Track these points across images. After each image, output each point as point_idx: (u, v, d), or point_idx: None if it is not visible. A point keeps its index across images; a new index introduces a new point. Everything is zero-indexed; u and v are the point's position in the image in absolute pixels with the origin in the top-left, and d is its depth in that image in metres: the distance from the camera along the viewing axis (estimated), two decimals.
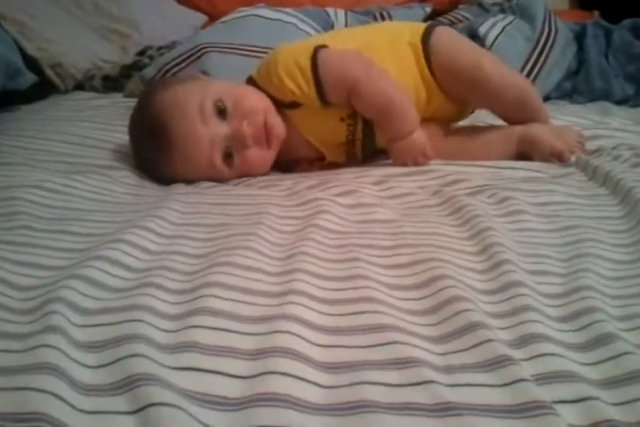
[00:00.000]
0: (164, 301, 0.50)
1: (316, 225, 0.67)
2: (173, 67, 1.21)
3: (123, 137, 1.02)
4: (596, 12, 2.04)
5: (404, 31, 0.98)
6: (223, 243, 0.62)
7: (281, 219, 0.71)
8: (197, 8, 2.04)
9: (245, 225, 0.67)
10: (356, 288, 0.53)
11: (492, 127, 1.03)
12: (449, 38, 0.99)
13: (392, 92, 0.90)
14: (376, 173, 0.89)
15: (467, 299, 0.49)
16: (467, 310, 0.48)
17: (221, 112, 0.86)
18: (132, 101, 1.30)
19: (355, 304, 0.50)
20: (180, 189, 0.85)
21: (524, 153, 0.95)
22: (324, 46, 0.91)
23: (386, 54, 0.94)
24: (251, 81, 0.95)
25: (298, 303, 0.49)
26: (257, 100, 0.90)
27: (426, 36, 0.96)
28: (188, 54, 1.21)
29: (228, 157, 0.88)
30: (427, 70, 0.95)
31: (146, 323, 0.46)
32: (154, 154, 0.88)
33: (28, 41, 1.41)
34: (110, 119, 1.14)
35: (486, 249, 0.61)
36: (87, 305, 0.49)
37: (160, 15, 1.76)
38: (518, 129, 0.97)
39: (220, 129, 0.86)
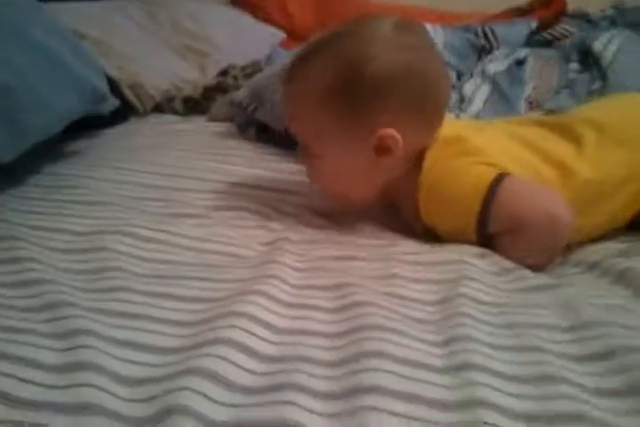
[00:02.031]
0: (311, 411, 0.40)
1: (464, 295, 0.56)
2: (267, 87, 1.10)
3: (215, 165, 0.95)
4: None
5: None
6: (357, 317, 0.51)
7: (414, 282, 0.60)
8: (273, 23, 1.97)
9: (379, 295, 0.56)
10: (552, 399, 0.41)
11: None
12: None
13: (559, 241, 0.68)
14: None
15: None
16: None
17: None
18: (218, 126, 1.22)
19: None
20: (286, 232, 0.73)
21: None
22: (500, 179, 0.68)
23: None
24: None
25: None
26: None
27: None
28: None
29: None
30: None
31: None
32: None
33: (107, 59, 1.34)
34: (199, 146, 1.06)
35: None
36: (217, 417, 0.39)
37: (238, 32, 1.67)
38: None
39: None
